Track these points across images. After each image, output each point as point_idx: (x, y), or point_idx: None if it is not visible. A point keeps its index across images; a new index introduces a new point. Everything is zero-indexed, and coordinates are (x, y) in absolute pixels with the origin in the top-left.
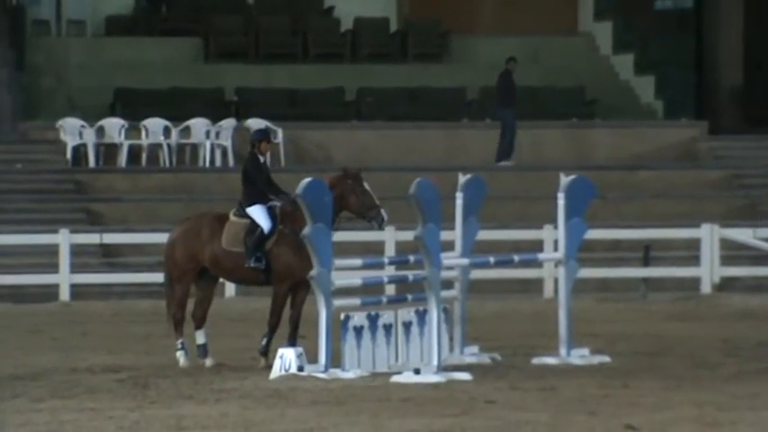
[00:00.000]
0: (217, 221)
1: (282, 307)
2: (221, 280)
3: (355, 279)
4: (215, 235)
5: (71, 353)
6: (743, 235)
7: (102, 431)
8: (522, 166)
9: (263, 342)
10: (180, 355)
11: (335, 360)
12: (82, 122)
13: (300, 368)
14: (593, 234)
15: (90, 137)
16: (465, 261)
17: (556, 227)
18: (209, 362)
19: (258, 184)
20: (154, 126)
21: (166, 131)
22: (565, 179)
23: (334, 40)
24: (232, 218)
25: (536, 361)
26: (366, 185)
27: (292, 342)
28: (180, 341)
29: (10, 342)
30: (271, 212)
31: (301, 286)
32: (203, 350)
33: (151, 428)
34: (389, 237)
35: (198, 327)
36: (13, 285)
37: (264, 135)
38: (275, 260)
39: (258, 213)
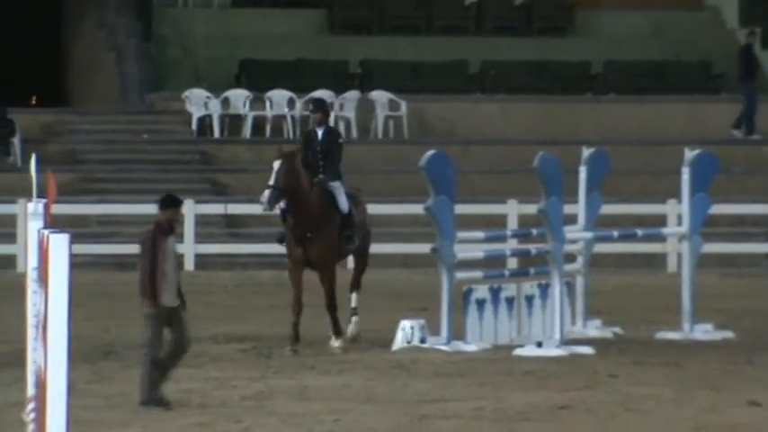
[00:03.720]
0: None
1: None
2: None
3: (478, 252)
4: None
5: (195, 322)
6: None
7: (226, 400)
8: (646, 141)
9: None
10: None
11: (457, 333)
12: (207, 93)
13: (422, 340)
14: (717, 209)
15: (215, 108)
16: (588, 235)
17: (680, 201)
18: (351, 327)
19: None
20: (278, 98)
21: (290, 103)
22: (689, 154)
23: (458, 12)
24: None
25: (659, 336)
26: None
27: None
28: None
29: (135, 311)
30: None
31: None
32: (352, 312)
33: (275, 398)
34: (512, 210)
35: (351, 290)
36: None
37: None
38: None
39: None
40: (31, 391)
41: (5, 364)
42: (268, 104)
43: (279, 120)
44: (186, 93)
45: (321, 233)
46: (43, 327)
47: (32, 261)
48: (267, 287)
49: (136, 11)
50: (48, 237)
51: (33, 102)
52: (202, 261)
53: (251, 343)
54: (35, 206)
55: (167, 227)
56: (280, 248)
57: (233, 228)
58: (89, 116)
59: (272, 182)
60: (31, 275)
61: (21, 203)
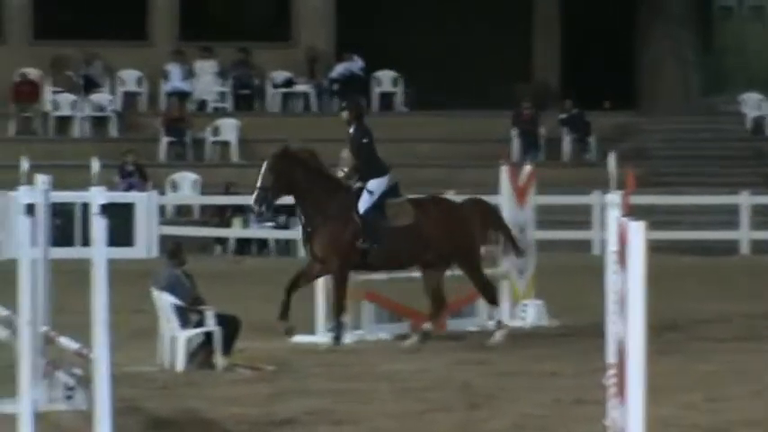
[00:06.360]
0: None
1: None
2: None
3: None
4: None
5: (747, 301)
6: None
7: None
8: None
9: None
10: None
11: None
12: (761, 96)
13: None
14: None
15: None
16: None
17: None
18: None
19: None
20: None
21: None
22: None
23: None
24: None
25: None
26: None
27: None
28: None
29: (693, 290)
30: None
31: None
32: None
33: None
34: None
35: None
36: (699, 240)
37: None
38: None
39: None
40: (611, 358)
41: (582, 336)
42: None
43: None
44: (742, 96)
45: (320, 228)
46: (622, 303)
47: (612, 245)
48: None
49: (697, 24)
50: (626, 224)
51: (607, 106)
52: (757, 247)
53: None
54: (612, 197)
55: None
56: None
57: None
58: (655, 117)
59: (258, 183)
60: (610, 258)
61: (595, 194)
